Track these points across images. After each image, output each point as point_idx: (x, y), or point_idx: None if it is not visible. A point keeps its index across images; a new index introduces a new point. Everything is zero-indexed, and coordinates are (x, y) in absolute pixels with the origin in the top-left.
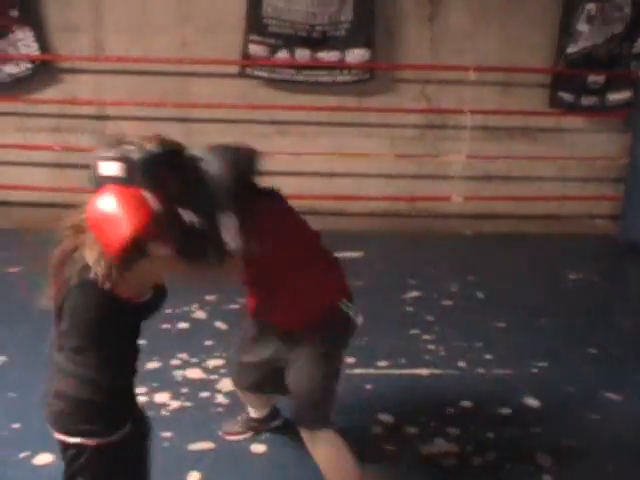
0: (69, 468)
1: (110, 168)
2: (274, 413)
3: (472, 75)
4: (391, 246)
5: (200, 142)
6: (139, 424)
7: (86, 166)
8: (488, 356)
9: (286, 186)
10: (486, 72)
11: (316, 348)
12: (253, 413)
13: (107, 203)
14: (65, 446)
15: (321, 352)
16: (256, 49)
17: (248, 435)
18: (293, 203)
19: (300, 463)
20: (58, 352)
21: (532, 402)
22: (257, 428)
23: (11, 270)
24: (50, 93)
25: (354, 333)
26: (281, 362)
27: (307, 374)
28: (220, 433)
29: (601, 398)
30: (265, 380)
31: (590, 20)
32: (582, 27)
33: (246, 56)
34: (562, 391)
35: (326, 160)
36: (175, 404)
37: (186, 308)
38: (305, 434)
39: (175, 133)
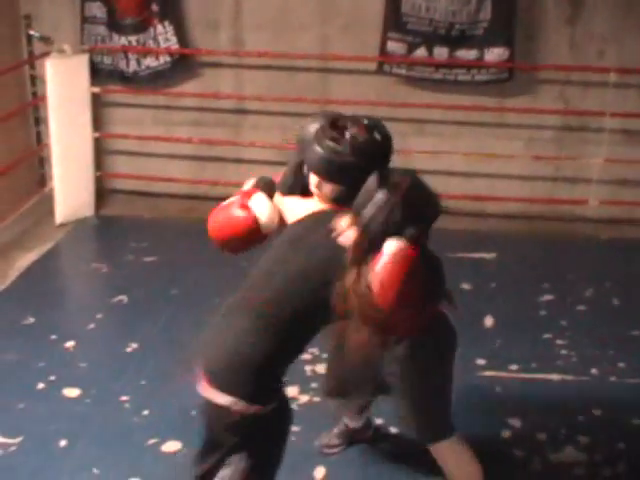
0: (218, 426)
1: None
2: (369, 423)
3: (613, 77)
4: (526, 248)
5: None
6: (287, 404)
7: (223, 159)
8: (621, 364)
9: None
10: (628, 74)
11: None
12: (350, 424)
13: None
14: (217, 405)
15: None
16: (394, 46)
17: (344, 447)
18: None
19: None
20: (243, 312)
21: None
22: (354, 438)
23: (147, 259)
24: (190, 87)
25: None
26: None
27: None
28: (317, 445)
29: None
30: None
31: None
32: None
33: (384, 53)
34: None
35: (463, 160)
36: (304, 398)
37: None
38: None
39: None
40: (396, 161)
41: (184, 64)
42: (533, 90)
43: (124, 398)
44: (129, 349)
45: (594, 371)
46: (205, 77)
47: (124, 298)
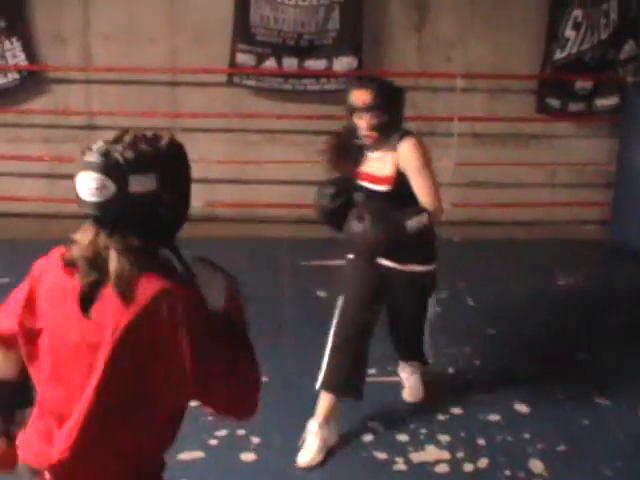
0: (422, 292)
1: None
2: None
3: (460, 82)
4: None
5: (190, 152)
6: None
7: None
8: (477, 362)
9: (276, 195)
10: (474, 79)
11: None
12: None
13: None
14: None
15: None
16: (244, 58)
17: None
18: (284, 212)
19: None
20: None
21: (522, 408)
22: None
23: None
24: (40, 103)
25: None
26: None
27: None
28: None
29: (591, 403)
30: None
31: (576, 26)
32: (569, 33)
33: (234, 65)
34: (552, 396)
35: (316, 168)
36: None
37: None
38: None
39: None
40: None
41: (33, 80)
42: None
43: None
44: None
45: (451, 370)
46: (55, 93)
47: None
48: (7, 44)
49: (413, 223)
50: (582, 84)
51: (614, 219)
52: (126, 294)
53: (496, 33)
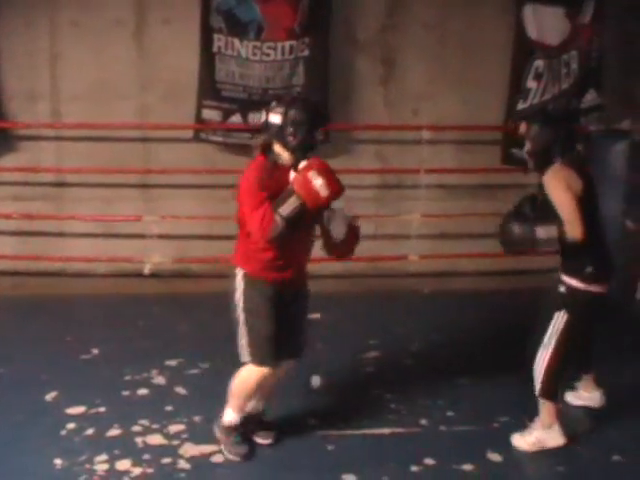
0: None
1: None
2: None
3: (426, 134)
4: (351, 307)
5: (161, 208)
6: None
7: (45, 233)
8: (450, 413)
9: None
10: (441, 131)
11: None
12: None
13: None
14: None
15: None
16: (210, 114)
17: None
18: None
19: None
20: None
21: (495, 457)
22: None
23: None
24: (9, 160)
25: None
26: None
27: None
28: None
29: (565, 450)
30: None
31: (538, 77)
32: (530, 84)
33: (200, 121)
34: None
35: None
36: (137, 471)
37: (145, 374)
38: None
39: (136, 199)
40: None
41: (2, 138)
42: (351, 151)
43: None
44: None
45: (424, 422)
46: (25, 150)
47: None
48: None
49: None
50: None
51: None
52: None
53: (461, 85)
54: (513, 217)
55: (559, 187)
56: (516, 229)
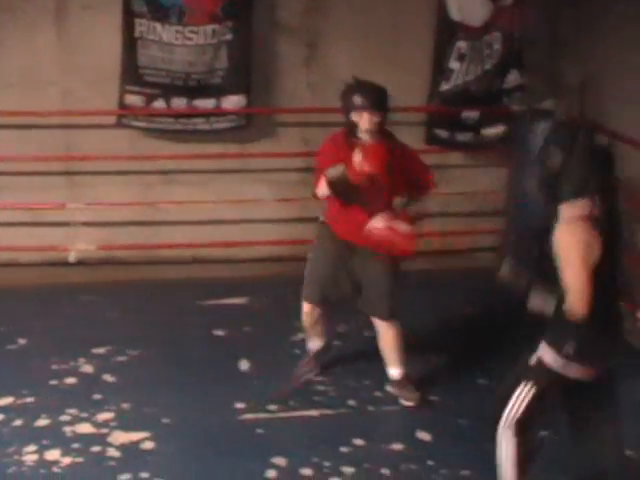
0: None
1: None
2: (328, 344)
3: None
4: (278, 290)
5: (85, 195)
6: None
7: None
8: (378, 393)
9: (174, 235)
10: None
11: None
12: (316, 345)
13: None
14: None
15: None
16: (133, 99)
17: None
18: (181, 252)
19: None
20: None
21: (424, 436)
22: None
23: None
24: None
25: None
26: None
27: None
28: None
29: (492, 427)
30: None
31: (461, 58)
32: (454, 65)
33: (123, 106)
34: (454, 423)
35: (212, 208)
36: (67, 460)
37: (73, 363)
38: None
39: (60, 186)
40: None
41: None
42: (274, 134)
43: None
44: None
45: (352, 403)
46: None
47: None
48: None
49: None
50: (468, 114)
51: (501, 246)
52: None
53: (385, 67)
54: (513, 256)
55: (574, 249)
56: (506, 275)
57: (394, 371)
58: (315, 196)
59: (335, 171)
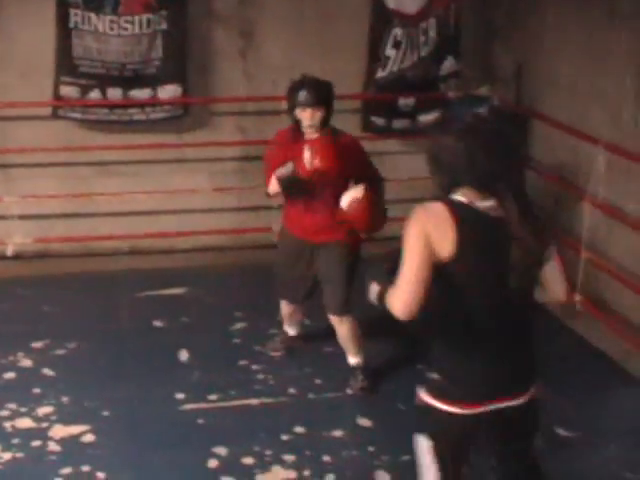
0: None
1: None
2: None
3: (285, 105)
4: (216, 280)
5: (21, 188)
6: None
7: None
8: (318, 381)
9: (110, 227)
10: None
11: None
12: (291, 332)
13: None
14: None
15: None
16: (68, 90)
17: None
18: (118, 243)
19: None
20: None
21: (365, 422)
22: (294, 344)
23: None
24: None
25: None
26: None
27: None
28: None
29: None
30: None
31: (397, 45)
32: (389, 52)
33: (58, 98)
34: (395, 409)
35: (148, 198)
36: (7, 456)
37: (11, 357)
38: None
39: None
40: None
41: None
42: (211, 124)
43: None
44: None
45: (292, 391)
46: None
47: None
48: None
49: None
50: (405, 101)
51: None
52: None
53: (321, 55)
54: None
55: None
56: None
57: (350, 359)
58: (268, 195)
59: (285, 170)
